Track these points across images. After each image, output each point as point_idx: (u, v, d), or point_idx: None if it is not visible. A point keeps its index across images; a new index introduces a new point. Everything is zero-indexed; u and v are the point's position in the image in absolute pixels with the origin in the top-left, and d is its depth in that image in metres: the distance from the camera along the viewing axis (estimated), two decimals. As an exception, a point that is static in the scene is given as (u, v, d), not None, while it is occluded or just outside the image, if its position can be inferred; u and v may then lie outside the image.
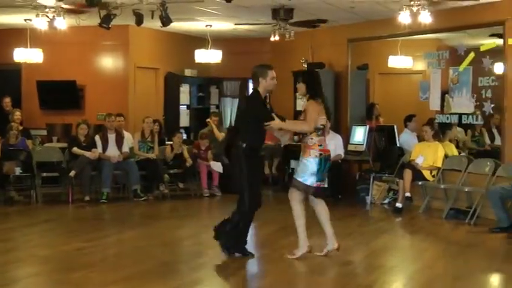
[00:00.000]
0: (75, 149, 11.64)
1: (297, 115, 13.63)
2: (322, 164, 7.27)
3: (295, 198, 7.45)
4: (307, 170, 7.29)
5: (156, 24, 10.84)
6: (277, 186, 13.47)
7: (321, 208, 7.47)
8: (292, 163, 13.58)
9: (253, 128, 7.40)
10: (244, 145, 7.34)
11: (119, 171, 11.94)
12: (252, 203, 7.41)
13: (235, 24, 12.73)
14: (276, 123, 7.40)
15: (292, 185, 7.49)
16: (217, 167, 12.57)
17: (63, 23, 10.25)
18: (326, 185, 7.41)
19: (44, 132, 13.62)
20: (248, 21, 12.28)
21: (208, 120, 13.34)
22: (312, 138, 7.30)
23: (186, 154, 12.43)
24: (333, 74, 13.35)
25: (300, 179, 7.33)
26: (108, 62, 14.10)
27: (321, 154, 7.27)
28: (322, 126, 7.32)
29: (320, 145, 7.30)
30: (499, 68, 10.44)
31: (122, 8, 10.23)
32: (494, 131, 11.92)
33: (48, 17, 10.23)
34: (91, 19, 10.41)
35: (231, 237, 7.55)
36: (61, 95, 13.80)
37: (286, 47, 13.41)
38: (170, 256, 7.84)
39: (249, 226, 7.63)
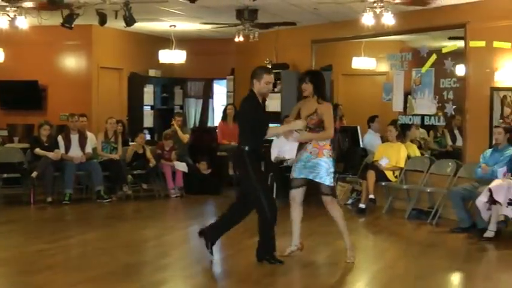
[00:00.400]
0: (37, 150, 11.50)
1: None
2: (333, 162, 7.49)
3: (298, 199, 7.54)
4: (325, 170, 7.32)
5: (120, 24, 10.78)
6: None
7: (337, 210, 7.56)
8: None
9: (252, 130, 7.20)
10: (246, 148, 7.19)
11: (81, 172, 11.84)
12: (270, 205, 7.15)
13: (203, 23, 12.68)
14: (307, 136, 7.34)
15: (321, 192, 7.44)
16: (181, 166, 12.54)
17: (24, 23, 10.13)
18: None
19: (5, 133, 13.48)
20: (213, 22, 12.24)
21: (172, 122, 13.30)
22: None
23: (149, 154, 12.38)
24: (297, 75, 13.33)
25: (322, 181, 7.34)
26: (71, 62, 13.98)
27: (330, 154, 7.39)
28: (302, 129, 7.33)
29: (330, 144, 7.45)
30: (460, 69, 10.59)
31: (84, 8, 10.15)
32: (456, 132, 12.07)
33: (9, 16, 10.09)
34: (53, 19, 10.29)
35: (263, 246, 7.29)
36: (23, 95, 13.65)
37: (250, 48, 13.42)
38: (134, 257, 7.79)
39: (273, 231, 7.26)
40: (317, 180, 7.35)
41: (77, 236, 9.08)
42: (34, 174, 11.20)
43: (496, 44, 9.71)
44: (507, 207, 8.47)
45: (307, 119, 7.32)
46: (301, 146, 7.41)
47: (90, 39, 13.68)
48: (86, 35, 13.49)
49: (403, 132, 11.52)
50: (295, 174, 7.48)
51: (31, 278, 6.71)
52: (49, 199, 11.33)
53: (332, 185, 7.43)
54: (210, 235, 7.47)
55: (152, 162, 12.23)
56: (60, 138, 11.77)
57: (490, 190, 8.57)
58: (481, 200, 8.72)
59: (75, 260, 7.80)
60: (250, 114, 7.24)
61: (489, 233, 8.76)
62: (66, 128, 12.07)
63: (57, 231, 9.23)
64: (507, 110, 9.70)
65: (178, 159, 12.59)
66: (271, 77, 7.35)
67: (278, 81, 13.34)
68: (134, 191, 12.23)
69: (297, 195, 7.53)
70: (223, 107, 14.27)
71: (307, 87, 7.45)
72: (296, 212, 7.55)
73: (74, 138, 11.83)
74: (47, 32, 12.73)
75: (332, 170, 7.39)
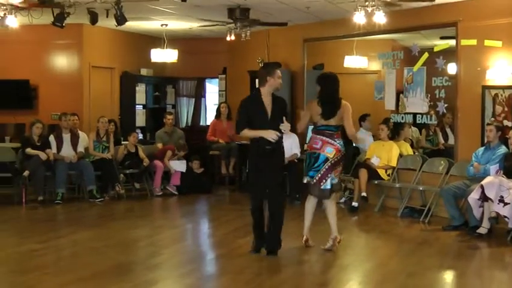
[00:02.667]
0: (28, 150, 11.46)
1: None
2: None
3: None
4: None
5: (111, 23, 10.74)
6: (233, 186, 13.47)
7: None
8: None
9: (254, 125, 7.49)
10: (257, 144, 7.50)
11: (73, 171, 11.81)
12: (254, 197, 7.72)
13: (198, 19, 12.67)
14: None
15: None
16: (180, 167, 12.56)
17: (14, 22, 10.08)
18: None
19: (-4, 132, 13.43)
20: (205, 21, 12.22)
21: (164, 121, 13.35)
22: None
23: (142, 154, 12.36)
24: (289, 73, 13.39)
25: None
26: (62, 61, 13.91)
27: (305, 150, 7.66)
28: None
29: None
30: (452, 68, 10.59)
31: (75, 7, 10.09)
32: (448, 130, 12.08)
33: (-1, 15, 10.05)
34: (44, 17, 10.25)
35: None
36: (14, 94, 13.57)
37: (242, 47, 13.42)
38: (126, 257, 7.78)
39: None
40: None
41: (69, 236, 9.05)
42: (25, 173, 11.16)
43: (487, 42, 9.74)
44: (498, 204, 8.51)
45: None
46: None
47: (82, 38, 13.62)
48: (77, 34, 13.44)
49: (396, 130, 11.54)
50: None
51: (22, 277, 6.70)
52: (40, 198, 11.30)
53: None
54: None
55: (146, 162, 12.21)
56: (51, 138, 11.74)
57: (482, 186, 8.62)
58: (473, 197, 8.76)
59: (67, 259, 7.79)
60: (247, 111, 7.56)
61: (482, 229, 8.79)
62: (57, 128, 12.05)
63: (48, 231, 9.20)
64: (499, 108, 9.72)
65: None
66: (280, 72, 7.72)
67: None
68: (126, 190, 12.20)
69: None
70: (217, 105, 14.26)
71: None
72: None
73: (66, 137, 11.80)
74: (38, 31, 12.69)
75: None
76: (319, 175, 7.74)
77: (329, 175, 7.73)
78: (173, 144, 13.05)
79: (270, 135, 7.40)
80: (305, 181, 7.89)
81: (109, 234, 9.11)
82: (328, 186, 7.76)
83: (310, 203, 8.02)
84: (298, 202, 11.24)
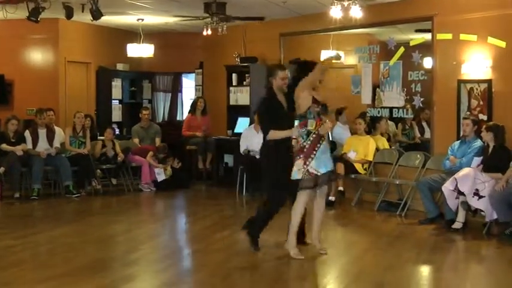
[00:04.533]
0: (3, 146, 11.37)
1: (229, 109, 13.66)
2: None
3: None
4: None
5: (87, 17, 10.69)
6: (211, 181, 13.46)
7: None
8: (226, 157, 13.61)
9: (273, 126, 7.44)
10: (271, 143, 7.44)
11: (50, 167, 11.73)
12: (280, 197, 7.51)
13: (172, 16, 12.62)
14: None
15: None
16: (161, 175, 12.60)
17: (-11, 16, 10.01)
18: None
19: (-29, 128, 13.28)
20: (181, 15, 12.18)
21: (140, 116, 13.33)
22: None
23: (118, 149, 12.31)
24: (266, 68, 13.36)
25: None
26: (38, 56, 13.81)
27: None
28: None
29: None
30: (428, 62, 10.65)
31: (50, 1, 10.02)
32: (424, 124, 12.15)
33: (-26, 9, 9.97)
34: (19, 12, 10.17)
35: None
36: (-12, 89, 13.47)
37: (218, 42, 13.38)
38: (103, 252, 7.76)
39: (270, 220, 7.66)
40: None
41: (45, 232, 8.98)
42: (1, 169, 11.08)
43: (462, 36, 9.81)
44: (473, 197, 8.57)
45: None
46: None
47: (57, 32, 13.51)
48: (53, 29, 13.34)
49: (372, 124, 11.59)
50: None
51: (-1, 274, 6.65)
52: (17, 195, 11.23)
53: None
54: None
55: (121, 157, 12.16)
56: (27, 133, 11.66)
57: (455, 180, 8.67)
58: (447, 186, 8.78)
59: (44, 256, 7.75)
60: (266, 113, 7.60)
61: (457, 224, 8.87)
62: (33, 123, 11.95)
63: (25, 227, 9.15)
64: (474, 102, 9.79)
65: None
66: (284, 73, 7.63)
67: (247, 75, 13.35)
68: (103, 185, 12.15)
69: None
70: (193, 100, 14.22)
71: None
72: None
73: (42, 133, 11.72)
74: (13, 26, 12.60)
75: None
76: None
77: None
78: (149, 140, 13.03)
79: (296, 133, 7.42)
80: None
81: (86, 230, 9.08)
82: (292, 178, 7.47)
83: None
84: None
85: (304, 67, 7.60)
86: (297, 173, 7.30)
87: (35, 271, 6.85)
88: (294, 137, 7.46)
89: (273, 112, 7.53)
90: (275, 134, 7.44)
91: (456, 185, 8.69)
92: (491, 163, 8.75)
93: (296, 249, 7.39)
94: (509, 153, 8.83)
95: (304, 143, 7.30)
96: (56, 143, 11.82)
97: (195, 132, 13.28)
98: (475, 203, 8.57)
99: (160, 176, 12.58)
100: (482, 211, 8.60)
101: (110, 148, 12.22)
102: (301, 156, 7.29)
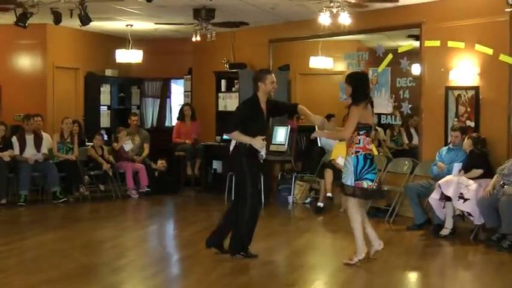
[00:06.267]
0: (-10, 151, 11.33)
1: (218, 115, 13.66)
2: (360, 162, 7.21)
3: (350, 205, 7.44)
4: (347, 170, 7.32)
5: (75, 23, 10.66)
6: (199, 187, 13.44)
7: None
8: (214, 163, 13.60)
9: (249, 130, 7.39)
10: (244, 146, 7.40)
11: (37, 173, 11.68)
12: (255, 201, 7.44)
13: (159, 23, 12.61)
14: (318, 132, 7.83)
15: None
16: (128, 145, 12.66)
17: (-23, 22, 9.97)
18: (368, 186, 7.24)
19: (-42, 134, 13.19)
20: (169, 21, 12.18)
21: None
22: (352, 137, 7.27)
23: (104, 158, 12.28)
24: (255, 74, 13.37)
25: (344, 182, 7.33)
26: (26, 62, 13.73)
27: (357, 152, 7.22)
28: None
29: (358, 143, 7.22)
30: (416, 69, 10.69)
31: (38, 7, 9.99)
32: (412, 130, 12.19)
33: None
34: (7, 17, 10.14)
35: (236, 240, 7.53)
36: (-24, 95, 13.41)
37: (207, 48, 13.38)
38: (90, 258, 7.72)
39: (254, 227, 7.55)
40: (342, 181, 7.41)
41: (33, 238, 8.95)
42: (-12, 175, 11.02)
43: (450, 43, 9.84)
44: (458, 200, 8.62)
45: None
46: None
47: (45, 38, 13.46)
48: (41, 34, 13.28)
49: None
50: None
51: (-15, 281, 6.61)
52: (3, 201, 11.17)
53: (353, 185, 7.26)
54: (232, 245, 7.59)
55: (105, 166, 12.09)
56: (14, 139, 11.61)
57: (439, 186, 8.74)
58: (434, 197, 8.88)
59: (31, 262, 7.69)
60: (243, 116, 7.49)
61: (445, 231, 8.91)
62: (20, 129, 11.90)
63: (11, 233, 9.09)
64: (462, 109, 9.83)
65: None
66: (272, 76, 7.64)
67: (236, 81, 13.35)
68: (91, 191, 12.11)
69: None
70: (180, 107, 14.22)
71: (347, 90, 7.45)
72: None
73: (29, 139, 11.67)
74: (0, 31, 12.55)
75: (353, 169, 7.24)
76: (378, 178, 7.42)
77: None
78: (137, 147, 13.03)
79: (259, 144, 7.38)
80: (365, 186, 7.25)
81: (74, 236, 9.04)
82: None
83: (360, 213, 7.47)
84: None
85: None
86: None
87: (21, 277, 6.82)
88: (257, 147, 7.39)
89: (249, 115, 7.48)
90: (238, 136, 7.42)
91: (441, 192, 8.76)
92: (469, 164, 8.95)
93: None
94: (485, 153, 9.06)
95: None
96: (44, 149, 11.77)
97: (185, 140, 13.27)
98: (461, 206, 8.64)
99: (127, 146, 12.52)
100: (470, 214, 8.64)
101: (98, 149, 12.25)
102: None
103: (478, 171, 8.85)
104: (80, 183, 11.90)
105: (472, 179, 8.77)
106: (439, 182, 8.82)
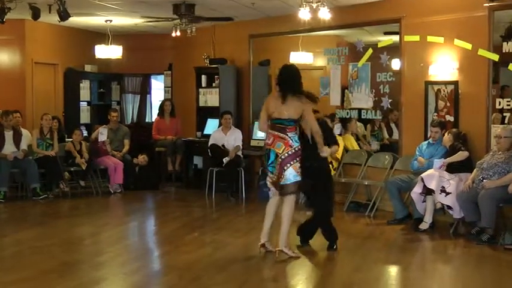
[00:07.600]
0: (-31, 148, 11.24)
1: (199, 110, 13.63)
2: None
3: None
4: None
5: (54, 18, 10.58)
6: (180, 183, 13.41)
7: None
8: (195, 159, 13.57)
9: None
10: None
11: (16, 169, 11.59)
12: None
13: (141, 17, 12.55)
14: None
15: None
16: (103, 133, 12.69)
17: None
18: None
19: None
20: (153, 16, 12.11)
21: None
22: None
23: (83, 150, 12.22)
24: (235, 69, 13.39)
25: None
26: (4, 58, 13.61)
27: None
28: None
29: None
30: (396, 64, 10.72)
31: (16, 2, 9.92)
32: (393, 125, 12.23)
33: None
34: (-16, 13, 10.06)
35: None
36: (-47, 92, 13.27)
37: (188, 43, 13.35)
38: (70, 255, 7.67)
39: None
40: None
41: (12, 235, 8.89)
42: (-34, 172, 10.93)
43: (429, 38, 9.89)
44: (440, 193, 8.67)
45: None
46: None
47: (23, 34, 13.35)
48: (19, 30, 13.18)
49: (343, 125, 11.65)
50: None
51: (-37, 278, 6.55)
52: (-18, 199, 11.10)
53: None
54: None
55: (79, 160, 12.01)
56: (-7, 136, 11.52)
57: (422, 179, 8.78)
58: (416, 191, 8.94)
59: (10, 259, 7.64)
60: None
61: (424, 225, 8.96)
62: (-1, 125, 11.81)
63: (-10, 231, 9.03)
64: (441, 104, 9.87)
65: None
66: None
67: (216, 76, 13.33)
68: (71, 188, 12.04)
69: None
70: (160, 103, 14.17)
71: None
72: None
73: (8, 135, 11.58)
74: (-22, 27, 12.42)
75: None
76: (276, 172, 7.42)
77: (284, 171, 7.34)
78: (118, 141, 12.96)
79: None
80: (268, 179, 7.55)
81: (53, 232, 8.99)
82: (288, 182, 7.37)
83: (271, 204, 7.65)
84: (233, 199, 11.40)
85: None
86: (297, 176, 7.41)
87: (1, 274, 6.75)
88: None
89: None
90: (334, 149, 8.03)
91: (423, 186, 8.81)
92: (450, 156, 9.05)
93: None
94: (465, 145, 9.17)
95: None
96: (23, 146, 11.68)
97: (165, 136, 13.21)
98: (443, 199, 8.69)
99: (103, 137, 12.51)
100: (450, 208, 8.69)
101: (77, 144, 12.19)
102: (297, 159, 7.41)
103: (464, 154, 8.93)
104: (60, 180, 11.84)
105: (454, 172, 8.82)
106: (422, 175, 8.86)
